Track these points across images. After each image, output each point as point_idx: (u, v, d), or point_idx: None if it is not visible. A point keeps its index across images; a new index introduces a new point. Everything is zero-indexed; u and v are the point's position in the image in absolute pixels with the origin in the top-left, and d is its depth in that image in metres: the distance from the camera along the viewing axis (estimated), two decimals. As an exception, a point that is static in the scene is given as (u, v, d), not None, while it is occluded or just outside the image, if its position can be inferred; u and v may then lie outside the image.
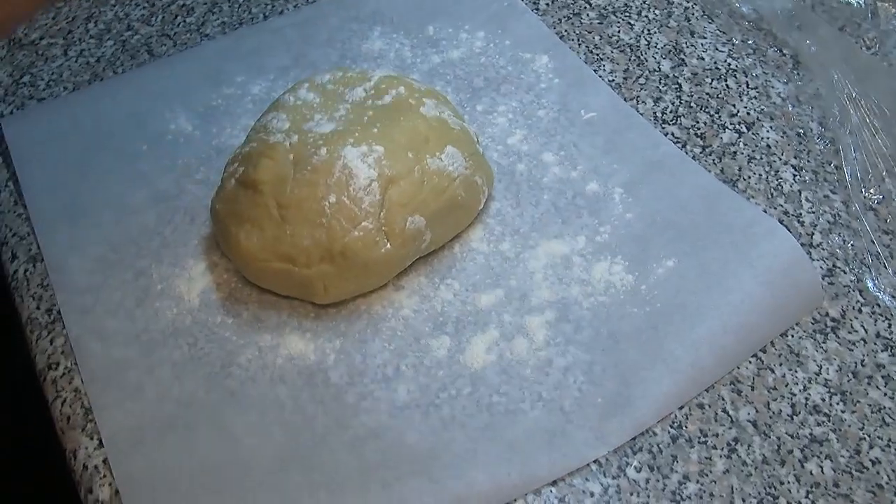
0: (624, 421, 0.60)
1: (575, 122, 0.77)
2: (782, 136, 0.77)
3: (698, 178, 0.73)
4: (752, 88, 0.81)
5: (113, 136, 0.79)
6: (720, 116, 0.78)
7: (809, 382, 0.63)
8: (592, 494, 0.58)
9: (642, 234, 0.69)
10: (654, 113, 0.78)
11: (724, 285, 0.66)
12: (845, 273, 0.68)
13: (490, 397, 0.61)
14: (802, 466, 0.59)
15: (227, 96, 0.81)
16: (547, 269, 0.68)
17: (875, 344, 0.65)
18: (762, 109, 0.79)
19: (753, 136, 0.77)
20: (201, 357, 0.65)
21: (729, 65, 0.83)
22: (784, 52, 0.84)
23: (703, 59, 0.83)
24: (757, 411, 0.61)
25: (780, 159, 0.75)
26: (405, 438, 0.60)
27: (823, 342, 0.65)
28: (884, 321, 0.66)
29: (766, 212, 0.71)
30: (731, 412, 0.61)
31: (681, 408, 0.62)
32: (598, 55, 0.84)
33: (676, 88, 0.80)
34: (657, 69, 0.82)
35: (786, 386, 0.63)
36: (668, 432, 0.61)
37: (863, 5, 0.86)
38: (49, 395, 0.65)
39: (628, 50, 0.84)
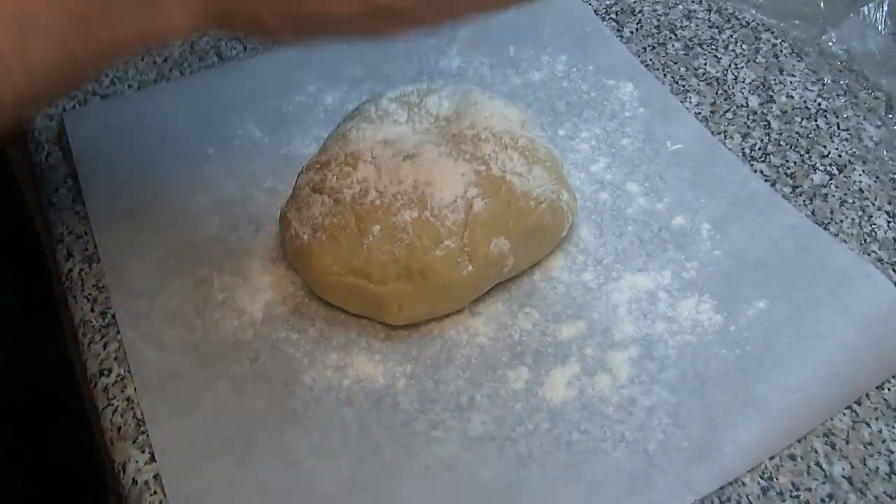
0: (711, 468, 0.56)
1: (660, 152, 0.74)
2: (875, 181, 0.73)
3: (789, 218, 0.69)
4: (843, 130, 0.77)
5: (178, 138, 0.76)
6: (810, 157, 0.75)
7: (909, 440, 0.59)
8: (677, 545, 0.54)
9: (731, 273, 0.66)
10: (743, 149, 0.75)
11: (818, 331, 0.62)
12: (944, 327, 0.65)
13: (570, 434, 0.58)
14: (902, 530, 0.55)
15: (299, 104, 0.78)
16: (631, 304, 0.64)
17: (980, 403, 0.61)
18: (854, 152, 0.75)
19: (845, 179, 0.73)
20: (263, 373, 0.61)
21: (819, 105, 0.79)
22: (876, 94, 0.80)
23: (792, 97, 0.80)
24: (852, 467, 0.57)
25: (874, 204, 0.72)
26: (480, 473, 0.56)
27: (924, 397, 0.61)
28: None
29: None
30: (824, 466, 0.58)
31: (771, 458, 0.58)
32: (683, 87, 0.80)
33: (765, 125, 0.77)
34: (745, 104, 0.79)
35: (883, 442, 0.59)
36: (759, 483, 0.57)
37: (958, 51, 0.83)
38: (100, 402, 0.61)
39: (715, 83, 0.81)
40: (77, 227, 0.70)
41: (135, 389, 0.61)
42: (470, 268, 0.61)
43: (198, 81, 0.81)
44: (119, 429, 0.59)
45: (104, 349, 0.63)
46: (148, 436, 0.58)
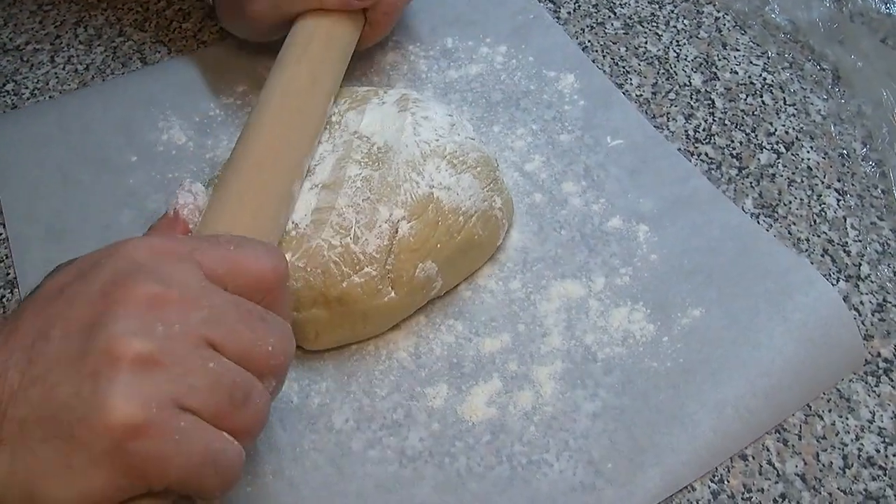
0: (634, 491, 0.54)
1: (600, 149, 0.71)
2: (824, 158, 0.71)
3: (731, 217, 0.66)
4: (789, 105, 0.75)
5: (101, 146, 0.73)
6: (757, 135, 0.73)
7: (862, 431, 0.57)
8: (625, 558, 0.52)
9: (667, 279, 0.63)
10: (686, 131, 0.73)
11: (755, 341, 0.59)
12: (897, 308, 0.63)
13: (512, 447, 0.56)
14: (858, 527, 0.54)
15: (226, 106, 0.75)
16: (560, 313, 0.62)
17: (934, 388, 0.59)
18: (801, 128, 0.73)
19: (793, 157, 0.71)
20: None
21: (764, 79, 0.77)
22: (823, 66, 0.78)
23: (736, 72, 0.77)
24: (805, 464, 0.56)
25: (823, 182, 0.70)
26: (417, 492, 0.54)
27: (875, 386, 0.59)
28: (943, 363, 0.60)
29: (808, 240, 0.66)
30: (777, 465, 0.56)
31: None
32: (624, 68, 0.78)
33: (709, 104, 0.75)
34: (688, 83, 0.76)
35: (836, 435, 0.57)
36: (709, 487, 0.55)
37: (905, 17, 0.81)
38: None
39: (656, 62, 0.78)
40: (-3, 250, 0.68)
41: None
42: (392, 294, 0.58)
43: (121, 85, 0.78)
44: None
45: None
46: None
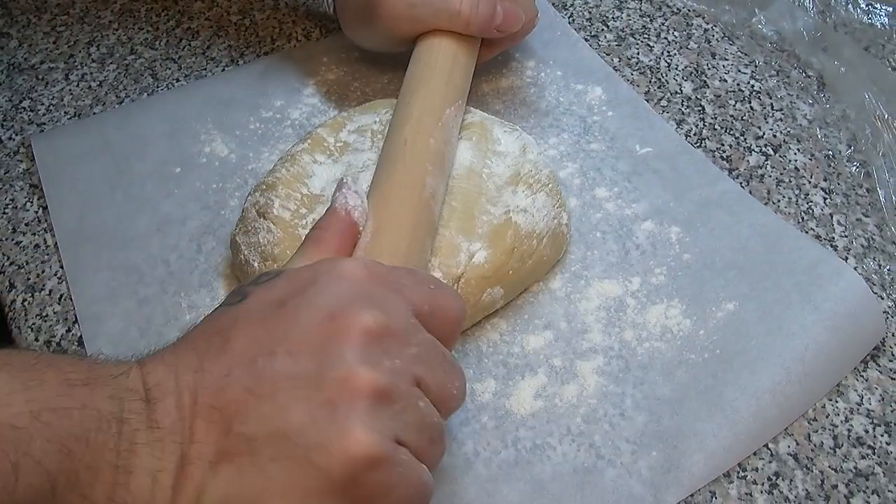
0: (680, 476, 0.56)
1: (630, 156, 0.74)
2: (811, 159, 0.74)
3: (758, 216, 0.69)
4: (777, 110, 0.78)
5: (145, 158, 0.75)
6: (746, 139, 0.76)
7: (851, 413, 0.60)
8: (628, 533, 0.55)
9: (700, 276, 0.66)
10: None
11: (788, 330, 0.61)
12: (882, 299, 0.65)
13: (533, 440, 0.58)
14: (848, 502, 0.56)
15: (266, 120, 0.78)
16: (599, 311, 0.64)
17: (919, 372, 0.62)
18: (789, 132, 0.76)
19: (781, 159, 0.74)
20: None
21: (752, 87, 0.80)
22: (808, 73, 0.81)
23: (725, 80, 0.80)
24: (798, 444, 0.58)
25: (810, 182, 0.72)
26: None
27: (864, 371, 0.62)
28: (926, 348, 0.63)
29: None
30: (770, 445, 0.58)
31: (719, 441, 0.58)
32: (617, 77, 0.81)
33: (699, 111, 0.78)
34: (679, 91, 0.80)
35: (826, 417, 0.60)
36: (706, 467, 0.57)
37: (886, 27, 0.84)
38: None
39: (648, 72, 0.81)
40: (17, 258, 0.70)
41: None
42: None
43: (161, 101, 0.80)
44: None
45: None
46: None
